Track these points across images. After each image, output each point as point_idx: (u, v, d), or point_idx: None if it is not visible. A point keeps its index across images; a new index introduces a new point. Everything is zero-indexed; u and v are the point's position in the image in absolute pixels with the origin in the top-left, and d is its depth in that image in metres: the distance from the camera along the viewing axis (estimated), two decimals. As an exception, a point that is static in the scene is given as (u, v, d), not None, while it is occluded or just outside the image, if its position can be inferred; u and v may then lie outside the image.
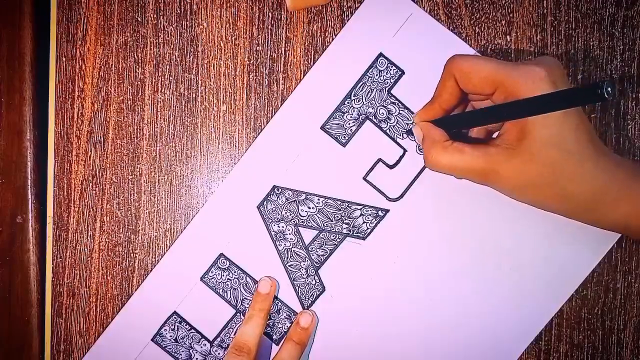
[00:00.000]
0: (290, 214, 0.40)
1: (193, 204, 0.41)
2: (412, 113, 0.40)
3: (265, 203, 0.40)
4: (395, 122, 0.40)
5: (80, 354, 0.42)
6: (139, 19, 0.41)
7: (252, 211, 0.40)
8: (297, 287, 0.40)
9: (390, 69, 0.40)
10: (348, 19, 0.40)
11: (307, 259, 0.40)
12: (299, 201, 0.40)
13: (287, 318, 0.41)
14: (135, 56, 0.41)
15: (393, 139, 0.40)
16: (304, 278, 0.40)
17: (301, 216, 0.40)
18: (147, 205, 0.42)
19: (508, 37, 0.40)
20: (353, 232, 0.40)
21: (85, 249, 0.42)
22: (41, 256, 0.42)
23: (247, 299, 0.40)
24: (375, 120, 0.40)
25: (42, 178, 0.42)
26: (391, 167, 0.40)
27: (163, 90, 0.41)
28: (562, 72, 0.33)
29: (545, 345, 0.41)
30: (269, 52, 0.41)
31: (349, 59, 0.40)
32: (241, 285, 0.40)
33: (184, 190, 0.42)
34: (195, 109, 0.41)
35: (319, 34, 0.41)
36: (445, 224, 0.40)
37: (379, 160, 0.40)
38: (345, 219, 0.40)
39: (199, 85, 0.41)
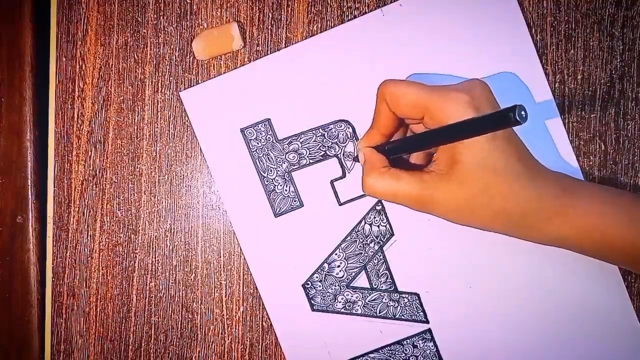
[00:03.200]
0: (335, 286, 0.41)
1: (193, 204, 0.41)
2: (353, 136, 0.40)
3: (312, 301, 0.41)
4: (307, 153, 0.40)
5: (81, 354, 0.42)
6: (139, 19, 0.41)
7: (310, 315, 0.41)
8: (402, 317, 0.41)
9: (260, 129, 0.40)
10: (348, 19, 0.40)
11: (383, 294, 0.40)
12: (328, 272, 0.41)
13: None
14: (135, 56, 0.41)
15: (322, 158, 0.40)
16: (397, 305, 0.40)
17: (342, 278, 0.41)
18: (147, 205, 0.42)
19: (508, 37, 0.40)
20: (380, 240, 0.40)
21: (86, 249, 0.42)
22: (41, 256, 0.42)
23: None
24: (294, 167, 0.40)
25: (42, 178, 0.42)
26: (343, 176, 0.40)
27: (163, 90, 0.41)
28: (487, 95, 0.33)
29: (545, 345, 0.41)
30: (269, 52, 0.41)
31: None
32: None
33: (184, 190, 0.42)
34: (195, 109, 0.41)
35: (318, 34, 0.41)
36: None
37: (332, 182, 0.40)
38: (367, 240, 0.40)
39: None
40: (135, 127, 0.42)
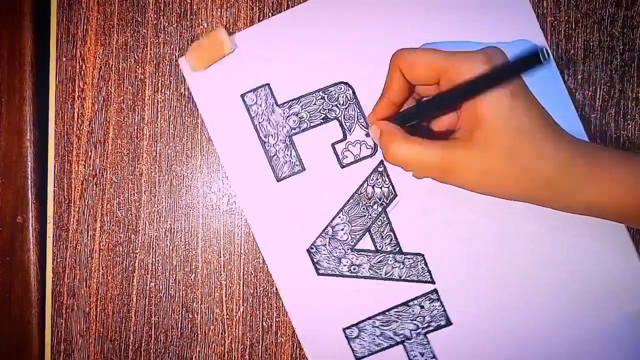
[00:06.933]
0: (340, 250, 0.40)
1: (193, 203, 0.41)
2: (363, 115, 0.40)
3: (318, 265, 0.41)
4: (308, 117, 0.40)
5: (81, 354, 0.42)
6: (139, 19, 0.41)
7: (316, 279, 0.41)
8: (408, 278, 0.40)
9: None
10: None
11: (388, 255, 0.40)
12: (332, 235, 0.40)
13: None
14: (135, 56, 0.41)
15: (323, 121, 0.40)
16: (402, 266, 0.40)
17: (346, 241, 0.41)
18: (147, 205, 0.42)
19: (508, 37, 0.40)
20: (383, 202, 0.40)
21: (86, 249, 0.42)
22: (41, 256, 0.42)
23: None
24: (295, 131, 0.40)
25: (42, 178, 0.42)
26: (344, 139, 0.40)
27: (163, 90, 0.41)
28: (503, 56, 0.33)
29: (545, 345, 0.41)
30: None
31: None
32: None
33: (184, 190, 0.42)
34: (195, 109, 0.41)
35: None
36: None
37: (333, 145, 0.40)
38: (370, 202, 0.40)
39: (199, 85, 0.41)
40: (135, 127, 0.42)
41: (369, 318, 0.41)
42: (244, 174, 0.41)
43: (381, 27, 0.40)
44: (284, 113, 0.40)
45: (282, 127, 0.40)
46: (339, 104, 0.40)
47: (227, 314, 0.41)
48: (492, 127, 0.31)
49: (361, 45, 0.40)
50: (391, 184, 0.40)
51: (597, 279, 0.40)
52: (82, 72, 0.41)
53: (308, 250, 0.41)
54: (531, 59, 0.26)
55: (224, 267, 0.41)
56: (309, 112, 0.40)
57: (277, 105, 0.40)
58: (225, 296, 0.41)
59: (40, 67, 0.42)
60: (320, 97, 0.40)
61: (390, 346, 0.41)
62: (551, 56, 0.26)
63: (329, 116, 0.40)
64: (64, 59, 0.42)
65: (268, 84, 0.40)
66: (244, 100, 0.40)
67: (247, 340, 0.42)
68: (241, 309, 0.41)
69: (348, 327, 0.41)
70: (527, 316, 0.40)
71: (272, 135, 0.40)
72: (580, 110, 0.40)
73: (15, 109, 0.42)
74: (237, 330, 0.42)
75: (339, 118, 0.40)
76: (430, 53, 0.33)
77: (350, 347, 0.40)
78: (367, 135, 0.40)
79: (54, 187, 0.42)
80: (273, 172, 0.40)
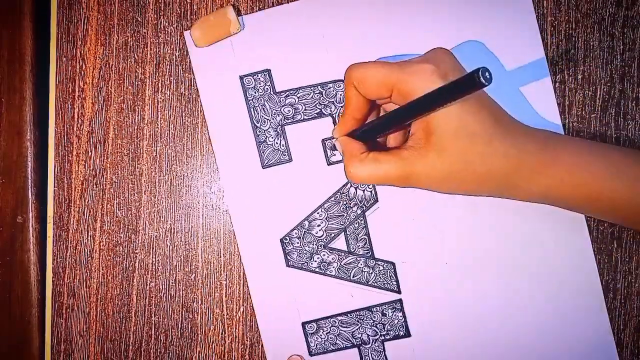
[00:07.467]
0: (313, 245, 0.41)
1: (193, 204, 0.41)
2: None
3: (289, 257, 0.41)
4: (303, 109, 0.40)
5: (81, 354, 0.42)
6: (139, 19, 0.41)
7: (285, 270, 0.41)
8: (375, 284, 0.41)
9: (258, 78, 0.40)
10: None
11: (359, 258, 0.41)
12: (308, 229, 0.40)
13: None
14: (135, 56, 0.41)
15: (317, 115, 0.40)
16: (371, 271, 0.40)
17: (321, 238, 0.41)
18: (147, 205, 0.42)
19: (508, 37, 0.40)
20: (364, 205, 0.40)
21: (86, 249, 0.42)
22: (41, 256, 0.42)
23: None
24: (288, 120, 0.40)
25: (42, 178, 0.42)
26: (335, 137, 0.40)
27: (163, 90, 0.41)
28: (452, 62, 0.33)
29: (546, 345, 0.41)
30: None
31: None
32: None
33: (184, 190, 0.42)
34: (195, 109, 0.41)
35: None
36: None
37: (323, 140, 0.40)
38: (350, 204, 0.40)
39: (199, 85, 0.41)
40: (135, 127, 0.42)
41: (331, 317, 0.41)
42: (231, 155, 0.41)
43: (384, 29, 0.40)
44: (279, 101, 0.40)
45: (275, 115, 0.40)
46: (336, 102, 0.40)
47: (227, 314, 0.42)
48: (444, 133, 0.32)
49: (365, 46, 0.40)
50: (374, 188, 0.40)
51: (564, 295, 0.40)
52: (82, 72, 0.41)
53: (282, 240, 0.41)
54: (473, 82, 0.26)
55: (224, 267, 0.41)
56: (304, 105, 0.40)
57: (275, 92, 0.40)
58: (225, 296, 0.41)
59: (40, 67, 0.42)
60: (318, 91, 0.40)
61: (346, 348, 0.41)
62: (493, 78, 0.26)
63: (324, 112, 0.40)
64: (64, 59, 0.42)
65: (269, 70, 0.40)
66: (242, 82, 0.40)
67: (247, 340, 0.42)
68: (241, 309, 0.41)
69: (308, 322, 0.41)
70: (487, 342, 0.40)
71: (264, 121, 0.40)
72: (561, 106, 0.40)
73: (15, 109, 0.42)
74: (237, 330, 0.42)
75: (334, 115, 0.40)
76: (379, 67, 0.34)
77: (307, 342, 0.41)
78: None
79: (54, 187, 0.42)
80: (260, 157, 0.41)
